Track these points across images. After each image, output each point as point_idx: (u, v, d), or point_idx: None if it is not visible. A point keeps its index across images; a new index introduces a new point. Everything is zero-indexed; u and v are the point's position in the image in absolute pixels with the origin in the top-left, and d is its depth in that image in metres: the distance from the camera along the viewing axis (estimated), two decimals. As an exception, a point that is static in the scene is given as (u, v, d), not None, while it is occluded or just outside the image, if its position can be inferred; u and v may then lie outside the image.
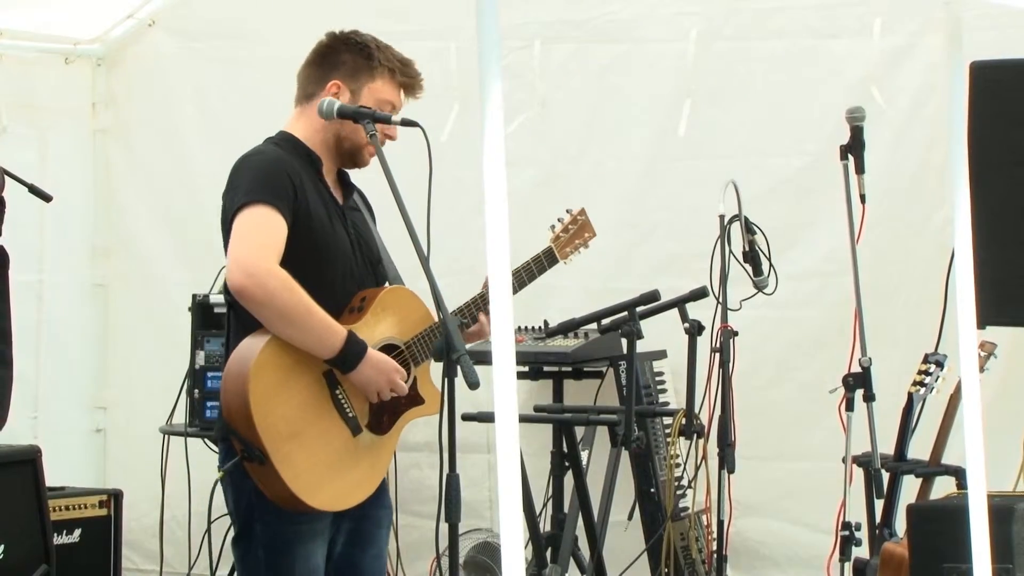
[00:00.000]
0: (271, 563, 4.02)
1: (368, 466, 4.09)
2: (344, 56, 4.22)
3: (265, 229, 3.93)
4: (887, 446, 5.17)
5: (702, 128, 6.11)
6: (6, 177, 4.80)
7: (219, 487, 4.02)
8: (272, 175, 3.99)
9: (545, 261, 4.57)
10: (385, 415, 4.10)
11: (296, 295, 3.89)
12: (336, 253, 4.10)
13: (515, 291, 4.40)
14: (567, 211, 4.69)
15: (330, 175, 4.21)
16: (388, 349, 4.10)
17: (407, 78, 4.26)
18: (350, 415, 4.01)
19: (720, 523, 5.19)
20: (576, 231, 4.67)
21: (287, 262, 3.94)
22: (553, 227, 4.65)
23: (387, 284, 4.24)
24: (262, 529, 4.02)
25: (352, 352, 3.96)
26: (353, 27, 4.34)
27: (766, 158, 6.05)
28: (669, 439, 5.62)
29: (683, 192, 6.11)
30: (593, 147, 6.32)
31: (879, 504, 5.16)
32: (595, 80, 6.30)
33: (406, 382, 4.09)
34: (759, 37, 6.07)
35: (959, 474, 5.03)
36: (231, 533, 4.13)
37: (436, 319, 4.12)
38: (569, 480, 5.45)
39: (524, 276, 4.48)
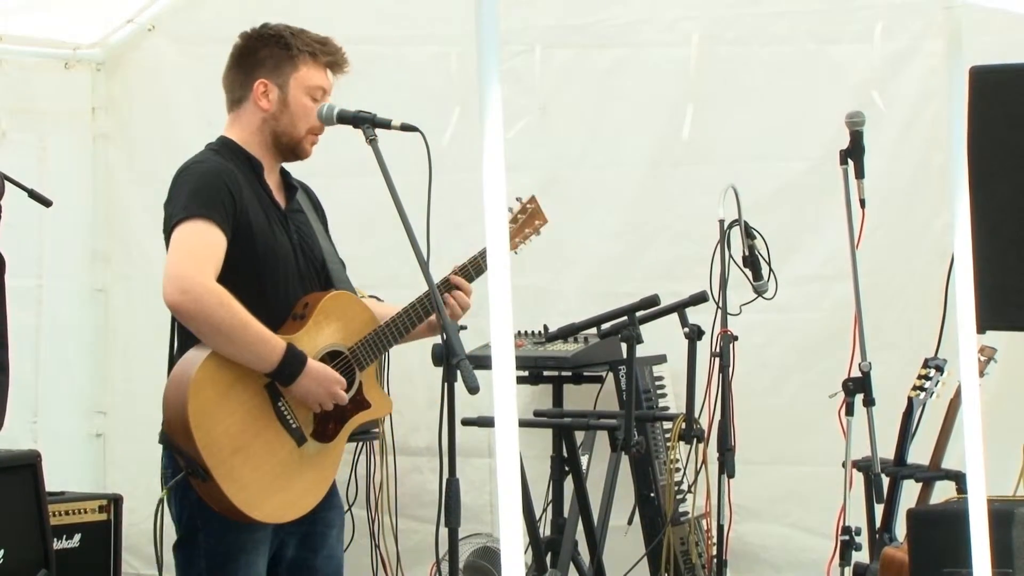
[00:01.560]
0: (214, 573, 3.99)
1: (314, 475, 4.04)
2: (262, 53, 4.14)
3: (201, 244, 3.88)
4: (887, 450, 5.17)
5: (702, 133, 6.10)
6: (6, 182, 4.81)
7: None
8: (210, 188, 3.93)
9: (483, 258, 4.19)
10: (331, 422, 4.05)
11: (231, 311, 3.83)
12: (277, 261, 4.04)
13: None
14: (517, 199, 4.47)
15: (272, 175, 4.15)
16: (332, 355, 4.06)
17: (329, 56, 4.15)
18: (294, 426, 3.97)
19: (720, 527, 5.20)
20: (526, 220, 4.46)
21: (229, 272, 3.89)
22: None
23: (332, 287, 4.16)
24: (205, 538, 3.98)
25: (290, 365, 3.91)
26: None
27: (766, 163, 6.04)
28: (669, 444, 5.61)
29: (683, 197, 6.10)
30: (594, 152, 6.31)
31: (879, 509, 5.15)
32: (596, 85, 6.29)
33: (351, 387, 4.05)
34: (760, 42, 6.05)
35: (959, 478, 5.02)
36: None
37: (380, 323, 4.09)
38: (569, 484, 5.45)
39: (472, 271, 4.22)
